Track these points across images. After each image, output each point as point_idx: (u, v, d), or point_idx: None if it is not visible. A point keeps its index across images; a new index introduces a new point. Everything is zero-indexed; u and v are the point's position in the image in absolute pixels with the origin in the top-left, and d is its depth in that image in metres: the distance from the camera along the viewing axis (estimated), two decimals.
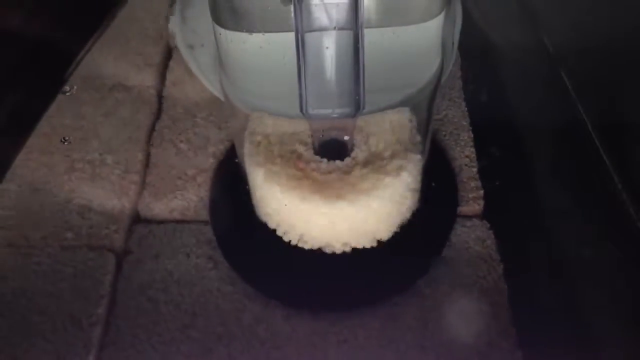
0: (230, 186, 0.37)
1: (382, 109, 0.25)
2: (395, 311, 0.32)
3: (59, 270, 0.34)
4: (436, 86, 0.28)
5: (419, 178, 0.32)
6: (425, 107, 0.30)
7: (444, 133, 0.41)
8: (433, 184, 0.36)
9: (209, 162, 0.40)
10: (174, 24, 0.45)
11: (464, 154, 0.40)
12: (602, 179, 0.35)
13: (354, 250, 0.32)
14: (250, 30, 0.23)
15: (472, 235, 0.36)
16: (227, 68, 0.27)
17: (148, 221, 0.38)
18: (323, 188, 0.30)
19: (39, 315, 0.32)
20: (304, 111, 0.23)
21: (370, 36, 0.22)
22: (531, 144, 0.41)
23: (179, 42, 0.44)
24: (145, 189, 0.39)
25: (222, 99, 0.30)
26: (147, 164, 0.40)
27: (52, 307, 0.32)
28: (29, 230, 0.36)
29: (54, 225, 0.36)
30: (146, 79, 0.46)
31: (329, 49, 0.22)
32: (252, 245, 0.35)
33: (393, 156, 0.31)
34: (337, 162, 0.31)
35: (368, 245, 0.32)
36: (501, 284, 0.33)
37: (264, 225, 0.33)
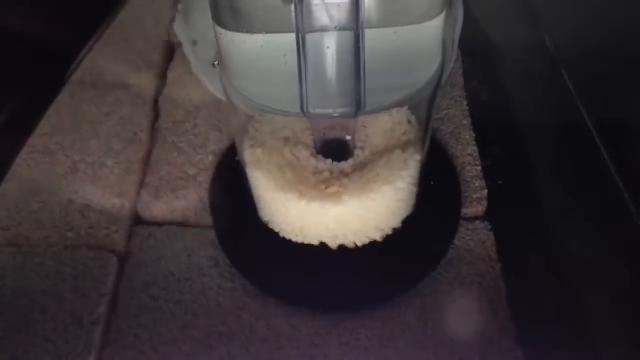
0: (231, 184, 0.37)
1: (383, 109, 0.25)
2: (396, 310, 0.32)
3: (60, 270, 0.34)
4: (436, 86, 0.28)
5: (417, 177, 0.32)
6: (425, 107, 0.30)
7: (444, 132, 0.41)
8: (435, 185, 0.36)
9: (209, 162, 0.40)
10: (178, 21, 0.45)
11: (465, 153, 0.40)
12: (603, 178, 0.35)
13: (355, 249, 0.32)
14: (250, 31, 0.23)
15: (473, 236, 0.36)
16: (228, 68, 0.27)
17: (148, 221, 0.38)
18: (323, 187, 0.30)
19: (40, 314, 0.32)
20: (305, 111, 0.23)
21: (370, 36, 0.22)
22: (531, 143, 0.41)
23: (182, 38, 0.43)
24: (146, 189, 0.39)
25: (223, 98, 0.30)
26: (147, 163, 0.40)
27: (54, 307, 0.32)
28: (29, 231, 0.36)
29: (54, 225, 0.36)
30: (147, 79, 0.46)
31: (329, 48, 0.22)
32: (253, 243, 0.35)
33: (392, 155, 0.31)
34: (337, 161, 0.31)
35: (367, 243, 0.32)
36: (500, 282, 0.33)
37: (264, 224, 0.33)
